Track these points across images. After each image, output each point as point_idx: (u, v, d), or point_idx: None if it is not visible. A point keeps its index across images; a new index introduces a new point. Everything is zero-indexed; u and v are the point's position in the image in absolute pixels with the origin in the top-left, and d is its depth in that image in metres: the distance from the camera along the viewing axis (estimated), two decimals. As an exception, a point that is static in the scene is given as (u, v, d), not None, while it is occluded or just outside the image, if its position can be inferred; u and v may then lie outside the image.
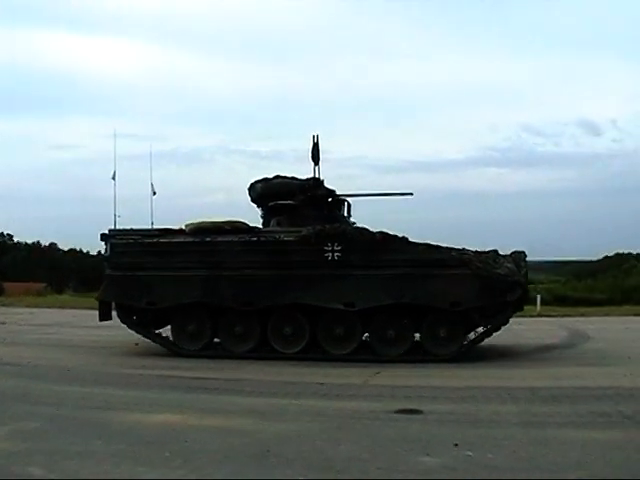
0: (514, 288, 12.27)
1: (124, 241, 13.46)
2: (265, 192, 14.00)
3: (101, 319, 14.06)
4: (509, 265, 12.51)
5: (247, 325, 13.01)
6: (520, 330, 16.92)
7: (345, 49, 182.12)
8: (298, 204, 13.67)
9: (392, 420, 7.64)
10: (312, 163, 14.19)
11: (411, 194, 14.53)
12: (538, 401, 8.71)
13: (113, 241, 13.51)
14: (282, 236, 12.84)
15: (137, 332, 13.83)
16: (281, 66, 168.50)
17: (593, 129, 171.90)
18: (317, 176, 14.19)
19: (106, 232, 13.76)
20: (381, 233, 12.53)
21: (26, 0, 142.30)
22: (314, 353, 12.76)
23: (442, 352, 12.48)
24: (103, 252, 14.06)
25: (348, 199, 14.45)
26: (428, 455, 6.00)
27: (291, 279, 12.59)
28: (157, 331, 13.90)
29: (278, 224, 13.76)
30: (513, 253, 12.90)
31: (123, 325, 13.76)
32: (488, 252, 12.86)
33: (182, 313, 13.27)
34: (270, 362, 12.38)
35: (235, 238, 12.93)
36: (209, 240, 12.98)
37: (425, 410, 8.05)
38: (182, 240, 13.27)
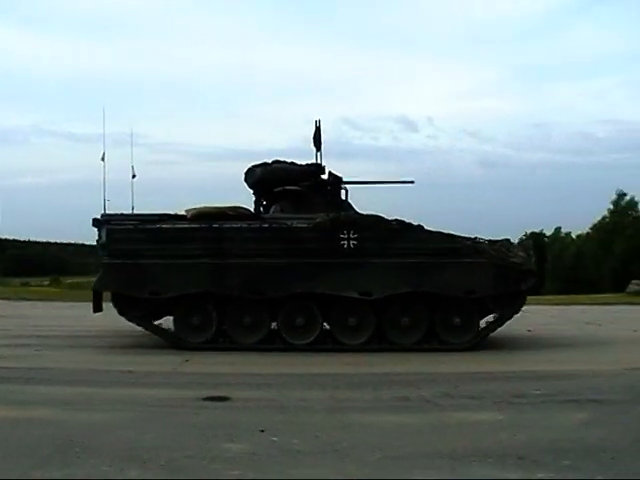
0: (528, 276, 12.54)
1: (122, 227, 12.67)
2: (265, 177, 13.58)
3: (95, 310, 13.25)
4: (522, 254, 12.77)
5: (256, 315, 12.59)
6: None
7: (167, 34, 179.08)
8: (303, 190, 13.39)
9: (200, 408, 7.72)
10: (314, 148, 14.00)
11: (412, 182, 14.63)
12: (342, 387, 9.06)
13: (109, 227, 12.67)
14: (294, 223, 12.55)
15: (138, 324, 13.03)
16: (100, 47, 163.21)
17: (410, 125, 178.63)
18: (319, 162, 13.94)
19: (98, 217, 12.91)
20: (397, 221, 12.50)
21: None
22: (326, 344, 12.59)
23: (457, 340, 12.57)
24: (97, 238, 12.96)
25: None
26: (233, 441, 6.12)
27: (305, 267, 12.30)
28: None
29: (281, 210, 13.40)
30: (521, 242, 12.97)
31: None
32: (501, 241, 13.03)
33: (186, 303, 12.64)
34: (76, 350, 12.09)
35: (244, 224, 12.50)
36: (216, 226, 12.46)
37: (233, 397, 8.19)
38: (187, 226, 12.68)
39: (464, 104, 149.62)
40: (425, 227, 12.60)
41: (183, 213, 13.24)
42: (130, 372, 10.02)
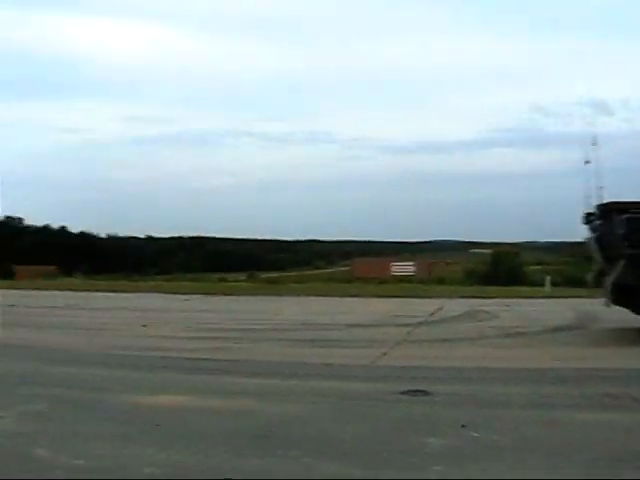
0: None
1: None
2: None
3: (616, 303, 12.78)
4: None
5: None
6: (528, 311, 16.89)
7: (354, 31, 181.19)
8: None
9: (398, 401, 7.60)
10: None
11: None
12: (545, 382, 8.67)
13: (629, 216, 11.93)
14: None
15: None
16: (292, 48, 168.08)
17: (604, 109, 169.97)
18: None
19: (591, 211, 12.48)
20: None
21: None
22: None
23: None
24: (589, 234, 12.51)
25: None
26: (434, 436, 5.96)
27: None
28: None
29: None
30: None
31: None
32: None
33: None
34: (274, 342, 12.36)
35: None
36: None
37: (431, 391, 8.01)
38: None
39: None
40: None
41: None
42: (328, 365, 10.10)
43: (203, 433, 6.15)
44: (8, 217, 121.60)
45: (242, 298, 28.39)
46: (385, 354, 11.22)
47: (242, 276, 56.89)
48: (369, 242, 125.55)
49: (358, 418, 6.78)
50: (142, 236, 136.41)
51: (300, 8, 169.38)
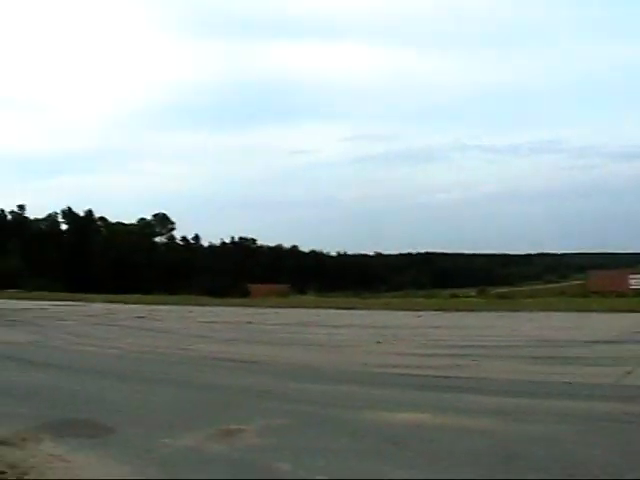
0: None
1: None
2: None
3: None
4: None
5: None
6: None
7: (582, 37, 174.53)
8: None
9: (648, 424, 7.07)
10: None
11: None
12: None
13: None
14: None
15: None
16: (514, 59, 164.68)
17: None
18: None
19: None
20: None
21: (262, 13, 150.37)
22: None
23: None
24: None
25: None
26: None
27: None
28: None
29: None
30: None
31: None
32: None
33: None
34: (511, 360, 11.98)
35: None
36: None
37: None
38: None
39: None
40: None
41: None
42: (568, 383, 9.62)
43: (445, 452, 6.03)
44: (242, 238, 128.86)
45: (474, 314, 27.94)
46: (629, 373, 10.51)
47: (472, 291, 56.24)
48: (602, 254, 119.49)
49: (606, 441, 6.35)
50: (371, 253, 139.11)
51: (529, 17, 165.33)
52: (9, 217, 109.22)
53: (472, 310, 30.45)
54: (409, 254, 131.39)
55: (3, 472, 5.40)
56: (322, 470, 5.56)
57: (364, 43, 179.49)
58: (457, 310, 30.05)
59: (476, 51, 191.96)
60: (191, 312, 28.33)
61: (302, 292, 60.32)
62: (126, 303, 36.19)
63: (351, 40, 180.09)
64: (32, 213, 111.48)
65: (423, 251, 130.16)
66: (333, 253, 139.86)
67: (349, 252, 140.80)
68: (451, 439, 6.51)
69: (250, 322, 22.14)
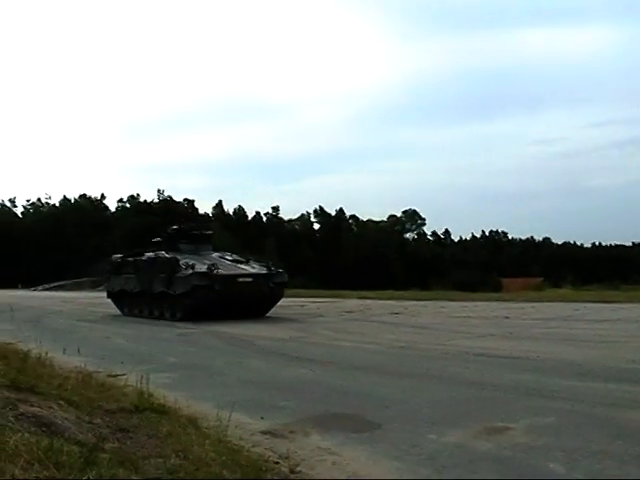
0: None
1: None
2: None
3: None
4: None
5: None
6: None
7: None
8: None
9: None
10: None
11: None
12: None
13: None
14: None
15: None
16: None
17: None
18: None
19: None
20: None
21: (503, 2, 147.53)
22: None
23: None
24: None
25: None
26: None
27: None
28: None
29: None
30: None
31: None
32: None
33: None
34: None
35: None
36: None
37: None
38: None
39: None
40: None
41: None
42: None
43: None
44: (492, 231, 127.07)
45: None
46: None
47: None
48: None
49: None
50: (628, 244, 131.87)
51: None
52: (265, 218, 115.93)
53: None
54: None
55: (277, 462, 5.67)
56: (598, 474, 5.31)
57: (603, 27, 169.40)
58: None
59: None
60: (443, 307, 28.30)
61: (556, 285, 58.28)
62: (380, 299, 36.91)
63: (591, 24, 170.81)
64: (286, 214, 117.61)
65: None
66: (587, 244, 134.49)
67: (604, 243, 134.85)
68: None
69: (507, 317, 21.70)
